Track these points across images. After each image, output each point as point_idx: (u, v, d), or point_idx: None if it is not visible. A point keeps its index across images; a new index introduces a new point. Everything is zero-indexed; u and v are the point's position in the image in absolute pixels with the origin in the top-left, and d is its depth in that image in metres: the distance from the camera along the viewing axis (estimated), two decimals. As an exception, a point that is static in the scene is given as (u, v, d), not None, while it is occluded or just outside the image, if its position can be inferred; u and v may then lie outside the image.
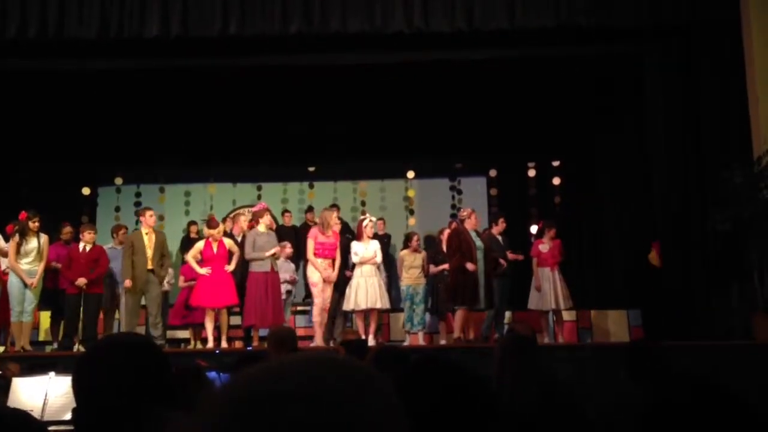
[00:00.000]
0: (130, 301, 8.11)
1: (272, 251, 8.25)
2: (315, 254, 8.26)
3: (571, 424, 2.83)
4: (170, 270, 9.72)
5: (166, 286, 9.43)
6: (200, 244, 8.46)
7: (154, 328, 8.10)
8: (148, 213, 8.39)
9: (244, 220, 9.41)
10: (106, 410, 1.43)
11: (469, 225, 8.49)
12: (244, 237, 8.79)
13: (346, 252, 9.02)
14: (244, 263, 8.46)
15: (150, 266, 8.14)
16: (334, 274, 8.32)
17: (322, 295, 8.22)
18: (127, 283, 8.06)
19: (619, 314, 9.46)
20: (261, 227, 8.49)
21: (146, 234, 8.25)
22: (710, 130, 8.36)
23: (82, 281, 8.10)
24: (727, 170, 7.75)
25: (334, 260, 8.36)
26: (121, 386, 1.43)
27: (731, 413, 1.20)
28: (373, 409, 0.69)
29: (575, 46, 8.78)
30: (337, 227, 8.59)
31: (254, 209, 8.99)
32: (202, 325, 8.79)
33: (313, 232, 8.39)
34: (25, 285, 7.73)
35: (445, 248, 8.73)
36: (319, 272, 8.19)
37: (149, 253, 8.14)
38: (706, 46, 8.41)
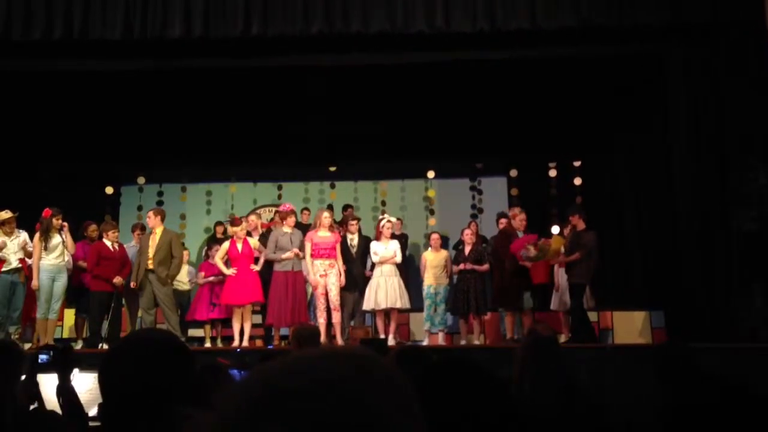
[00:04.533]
0: (145, 300, 8.22)
1: (288, 254, 8.27)
2: (312, 256, 8.21)
3: (592, 426, 2.82)
4: (190, 269, 9.80)
5: (187, 285, 9.51)
6: (226, 245, 8.57)
7: (168, 325, 8.20)
8: (150, 213, 8.57)
9: (254, 219, 9.50)
10: (133, 406, 1.45)
11: (515, 225, 8.49)
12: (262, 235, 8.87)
13: (365, 252, 9.05)
14: (269, 262, 8.54)
15: (150, 266, 8.19)
16: (332, 281, 8.19)
17: (321, 297, 8.18)
18: (132, 284, 8.24)
19: (641, 315, 9.38)
20: (285, 227, 8.55)
21: (150, 235, 8.39)
22: (733, 130, 8.26)
23: (119, 280, 8.24)
24: (751, 170, 7.66)
25: (334, 259, 8.27)
26: (148, 382, 1.45)
27: (759, 415, 1.19)
28: (390, 404, 0.69)
29: (597, 45, 8.73)
30: (344, 225, 8.62)
31: (280, 209, 9.05)
32: (224, 321, 8.87)
33: (309, 234, 8.37)
34: (53, 281, 7.86)
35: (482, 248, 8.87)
36: (311, 274, 8.16)
37: (150, 252, 8.21)
38: (729, 46, 8.31)
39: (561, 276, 8.76)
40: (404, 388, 0.72)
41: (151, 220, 8.43)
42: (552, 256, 8.27)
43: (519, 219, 8.63)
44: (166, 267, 8.24)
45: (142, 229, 9.27)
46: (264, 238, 9.06)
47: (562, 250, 8.37)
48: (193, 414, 1.37)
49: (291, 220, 8.65)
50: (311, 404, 0.66)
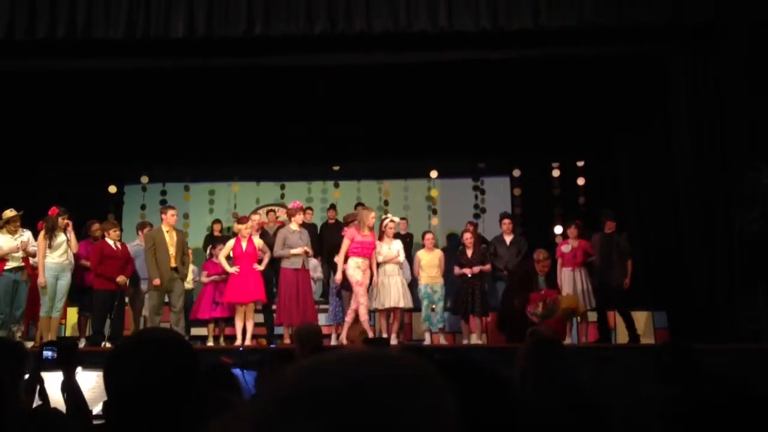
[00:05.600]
0: (155, 298, 8.19)
1: (298, 250, 8.28)
2: (351, 253, 8.12)
3: (594, 426, 2.82)
4: (193, 268, 9.82)
5: (190, 284, 9.53)
6: (231, 243, 8.58)
7: (176, 325, 8.18)
8: (170, 212, 8.44)
9: (257, 218, 9.51)
10: (138, 404, 1.46)
11: (539, 268, 8.64)
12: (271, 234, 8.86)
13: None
14: (274, 261, 8.53)
15: (173, 264, 8.21)
16: (366, 277, 8.17)
17: (366, 295, 8.10)
18: (156, 281, 8.10)
19: (644, 315, 9.37)
20: (293, 225, 8.54)
21: (167, 232, 8.31)
22: (735, 129, 8.26)
23: (123, 279, 8.24)
24: (754, 171, 7.65)
25: (370, 260, 8.24)
26: (153, 381, 1.46)
27: (760, 415, 1.19)
28: (419, 407, 0.69)
29: (599, 45, 8.73)
30: (347, 225, 8.62)
31: (289, 206, 9.03)
32: (227, 320, 8.88)
33: (351, 231, 8.27)
34: (57, 279, 7.88)
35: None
36: (340, 272, 8.12)
37: (172, 251, 8.20)
38: (730, 46, 8.31)
39: (564, 277, 8.74)
40: (439, 388, 0.72)
41: (173, 218, 8.43)
42: (561, 315, 8.18)
43: (542, 264, 8.63)
44: (182, 265, 8.34)
45: (151, 227, 9.28)
46: (262, 238, 9.06)
47: (579, 307, 8.31)
48: (204, 412, 1.38)
49: (299, 217, 8.65)
50: (343, 404, 0.66)
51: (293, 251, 8.28)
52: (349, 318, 8.14)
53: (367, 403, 0.67)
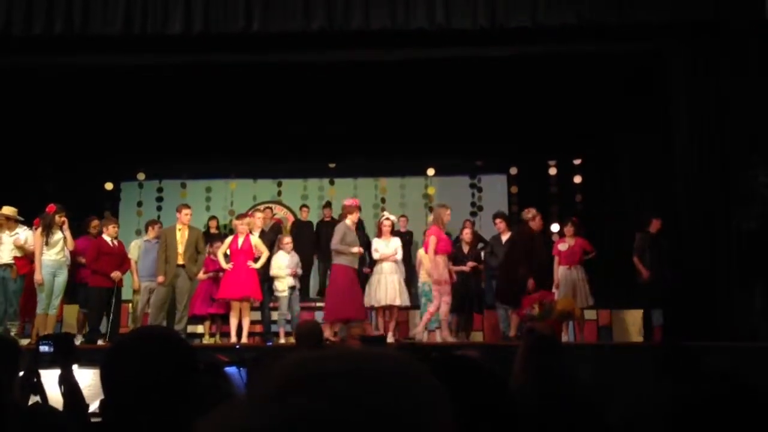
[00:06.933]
0: (161, 294, 8.22)
1: (356, 249, 8.26)
2: (440, 251, 8.02)
3: (590, 425, 2.82)
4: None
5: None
6: (229, 239, 8.63)
7: (179, 322, 8.21)
8: (185, 211, 8.60)
9: (259, 217, 9.49)
10: (136, 401, 1.45)
11: (534, 226, 8.47)
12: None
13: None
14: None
15: (181, 261, 8.28)
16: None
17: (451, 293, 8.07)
18: (160, 278, 8.23)
19: (639, 313, 9.37)
20: (349, 222, 8.47)
21: (179, 230, 8.44)
22: (735, 128, 8.26)
23: (117, 275, 8.26)
24: (752, 169, 7.66)
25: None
26: (151, 378, 1.45)
27: (761, 413, 1.18)
28: (422, 404, 0.69)
29: (598, 43, 8.72)
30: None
31: (346, 203, 8.92)
32: (223, 318, 8.87)
33: (435, 229, 8.18)
34: (54, 277, 7.87)
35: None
36: (446, 269, 8.01)
37: (180, 248, 8.31)
38: (731, 44, 8.30)
39: (561, 275, 8.74)
40: (435, 392, 0.72)
41: (187, 216, 8.54)
42: (557, 318, 8.13)
43: (537, 220, 8.60)
44: (194, 263, 8.39)
45: (160, 224, 9.34)
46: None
47: (576, 311, 8.25)
48: (201, 408, 1.37)
49: (356, 215, 8.59)
50: (342, 390, 0.66)
51: (353, 250, 8.25)
52: (444, 316, 8.04)
53: (367, 394, 0.66)
